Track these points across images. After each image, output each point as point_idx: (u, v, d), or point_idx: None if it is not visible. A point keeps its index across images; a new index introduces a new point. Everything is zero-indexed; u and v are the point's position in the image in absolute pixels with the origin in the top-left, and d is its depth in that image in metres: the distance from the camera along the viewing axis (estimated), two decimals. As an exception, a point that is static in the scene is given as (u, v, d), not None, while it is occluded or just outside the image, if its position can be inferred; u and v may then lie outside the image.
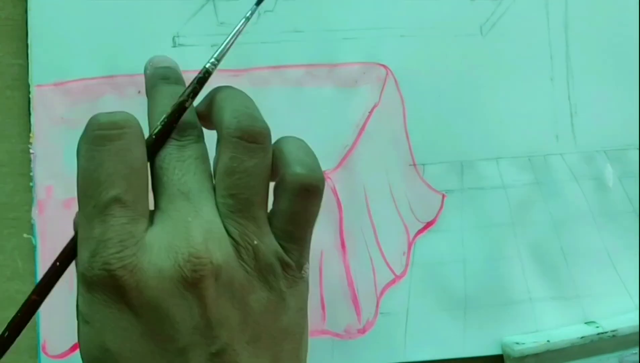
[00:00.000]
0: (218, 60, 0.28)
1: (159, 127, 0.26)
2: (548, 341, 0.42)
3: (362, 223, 0.43)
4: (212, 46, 0.43)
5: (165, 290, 0.23)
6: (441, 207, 0.44)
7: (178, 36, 0.43)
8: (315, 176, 0.26)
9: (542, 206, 0.45)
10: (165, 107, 0.27)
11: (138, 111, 0.26)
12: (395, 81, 0.44)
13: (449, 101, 0.44)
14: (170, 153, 0.26)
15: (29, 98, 0.42)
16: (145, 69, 0.30)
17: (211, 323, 0.24)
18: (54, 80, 0.42)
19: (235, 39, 0.28)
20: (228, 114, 0.26)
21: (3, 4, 0.42)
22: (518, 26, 0.45)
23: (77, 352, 0.33)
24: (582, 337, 0.42)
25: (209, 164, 0.27)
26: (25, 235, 0.41)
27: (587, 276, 0.45)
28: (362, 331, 0.43)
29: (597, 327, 0.43)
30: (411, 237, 0.44)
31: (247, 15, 0.29)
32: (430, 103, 0.44)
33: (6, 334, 0.25)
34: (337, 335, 0.43)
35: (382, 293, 0.43)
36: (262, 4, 0.30)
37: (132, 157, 0.24)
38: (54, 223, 0.41)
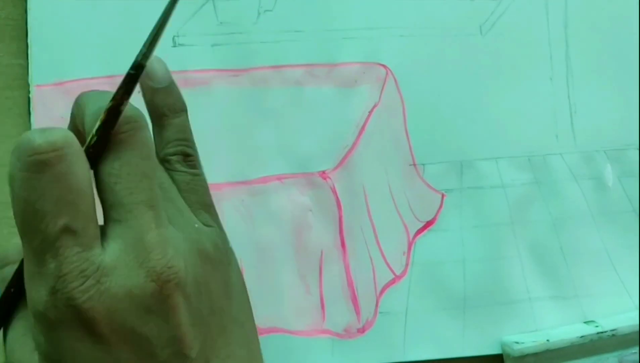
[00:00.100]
0: (149, 49, 0.25)
1: (95, 138, 0.23)
2: (547, 340, 0.42)
3: (361, 222, 0.43)
4: (212, 46, 0.43)
5: (136, 310, 0.22)
6: (441, 206, 0.44)
7: (178, 36, 0.43)
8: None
9: (542, 205, 0.45)
10: (96, 115, 0.24)
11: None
12: (395, 80, 0.44)
13: (448, 100, 0.44)
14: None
15: (29, 98, 0.42)
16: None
17: (187, 329, 0.23)
18: (54, 80, 0.42)
19: (165, 23, 0.26)
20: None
21: (3, 4, 0.42)
22: (518, 26, 0.45)
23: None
24: (581, 337, 0.42)
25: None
26: (25, 235, 0.41)
27: (587, 276, 0.45)
28: (362, 330, 0.43)
29: (597, 326, 0.43)
30: (411, 237, 0.44)
31: None
32: (430, 103, 0.44)
33: None
34: (336, 334, 0.43)
35: (381, 292, 0.43)
36: None
37: (76, 180, 0.22)
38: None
